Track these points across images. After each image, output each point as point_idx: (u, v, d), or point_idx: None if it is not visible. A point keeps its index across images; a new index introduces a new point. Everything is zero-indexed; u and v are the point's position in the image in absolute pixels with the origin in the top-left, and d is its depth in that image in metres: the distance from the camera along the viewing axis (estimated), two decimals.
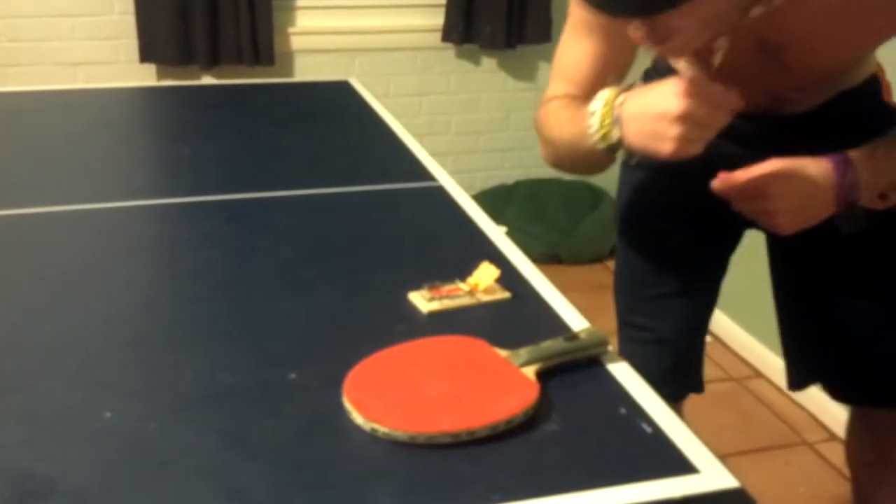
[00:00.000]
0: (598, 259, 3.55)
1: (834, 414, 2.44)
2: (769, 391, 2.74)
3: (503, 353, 1.04)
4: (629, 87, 1.23)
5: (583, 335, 1.08)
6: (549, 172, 2.27)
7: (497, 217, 3.16)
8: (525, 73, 3.67)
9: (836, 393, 1.60)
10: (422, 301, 1.19)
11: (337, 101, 2.29)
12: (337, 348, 1.08)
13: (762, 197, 1.22)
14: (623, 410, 0.99)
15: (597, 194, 3.59)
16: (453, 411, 0.94)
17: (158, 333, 1.14)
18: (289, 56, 3.45)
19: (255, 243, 1.40)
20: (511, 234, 1.68)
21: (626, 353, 1.10)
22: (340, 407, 0.96)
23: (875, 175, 1.25)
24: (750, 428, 2.59)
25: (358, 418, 0.94)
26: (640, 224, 1.63)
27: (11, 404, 0.98)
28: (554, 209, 3.58)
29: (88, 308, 1.20)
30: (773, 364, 2.76)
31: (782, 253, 1.52)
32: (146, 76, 3.30)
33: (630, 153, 1.23)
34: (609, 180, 1.65)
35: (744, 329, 2.95)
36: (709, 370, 2.82)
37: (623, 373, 1.06)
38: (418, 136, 1.96)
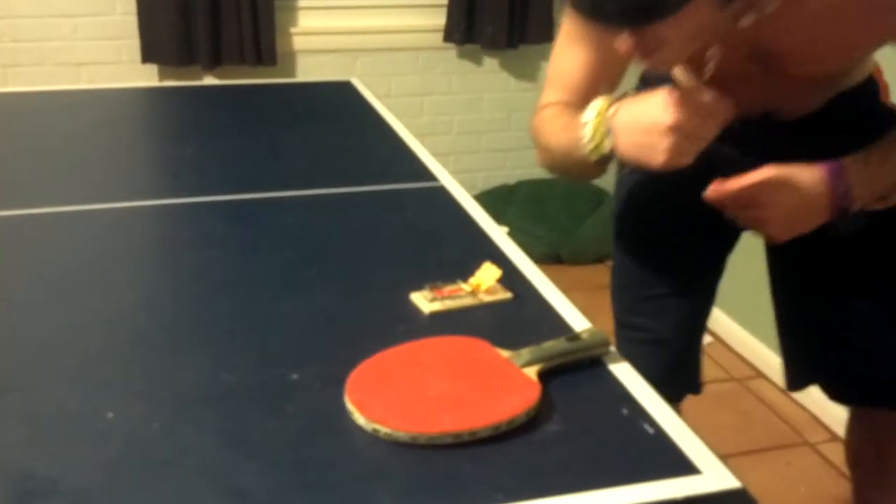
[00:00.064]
0: (599, 259, 3.55)
1: (835, 414, 2.44)
2: (770, 391, 2.74)
3: (505, 353, 1.04)
4: (621, 98, 1.23)
5: (584, 335, 1.08)
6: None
7: (498, 217, 3.16)
8: (527, 73, 3.67)
9: (836, 393, 1.60)
10: (423, 301, 1.19)
11: (339, 101, 2.29)
12: (338, 348, 1.08)
13: (755, 205, 1.22)
14: (625, 411, 0.99)
15: (598, 195, 3.59)
16: (455, 412, 0.94)
17: (160, 333, 1.14)
18: (291, 56, 3.45)
19: (256, 243, 1.40)
20: (512, 234, 1.68)
21: (624, 354, 1.10)
22: (342, 407, 0.96)
23: (870, 181, 1.24)
24: (751, 428, 2.59)
25: (359, 419, 0.94)
26: (638, 225, 1.63)
27: (12, 404, 0.98)
28: (555, 209, 3.58)
29: (90, 308, 1.20)
30: (774, 364, 2.76)
31: (781, 253, 1.52)
32: (148, 76, 3.30)
33: (623, 162, 1.23)
34: (610, 181, 1.65)
35: (745, 329, 2.95)
36: (710, 370, 2.83)
37: (625, 373, 1.06)
38: (420, 136, 1.96)
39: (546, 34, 3.48)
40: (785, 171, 1.22)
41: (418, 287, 1.22)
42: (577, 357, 1.06)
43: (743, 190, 1.20)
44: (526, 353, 1.03)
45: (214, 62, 3.26)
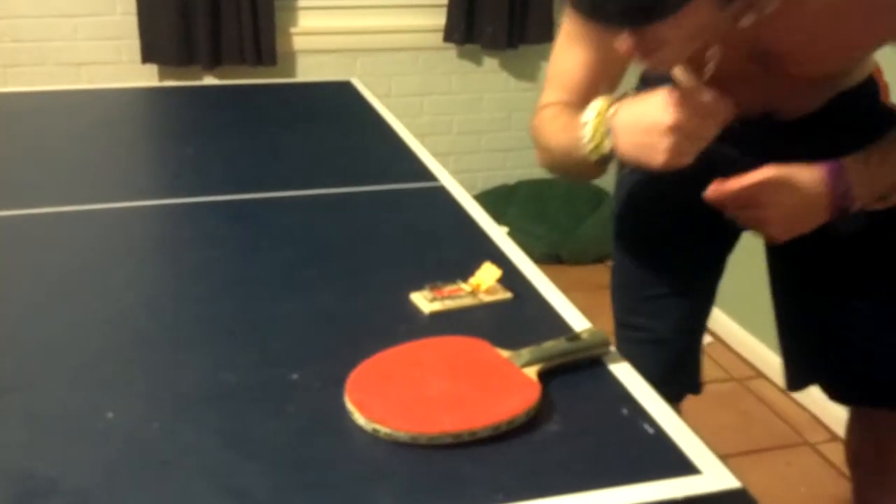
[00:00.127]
0: (599, 259, 3.55)
1: (835, 414, 2.44)
2: (770, 391, 2.74)
3: (505, 353, 1.04)
4: (621, 98, 1.23)
5: (584, 335, 1.08)
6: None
7: (499, 217, 3.16)
8: (527, 72, 3.67)
9: (836, 393, 1.60)
10: (423, 301, 1.19)
11: (339, 101, 2.29)
12: (338, 348, 1.08)
13: (755, 205, 1.22)
14: (625, 411, 0.99)
15: (598, 195, 3.59)
16: (455, 412, 0.94)
17: (160, 333, 1.14)
18: (291, 56, 3.45)
19: (257, 243, 1.40)
20: (512, 234, 1.68)
21: (624, 355, 1.10)
22: (342, 407, 0.96)
23: (870, 181, 1.24)
24: (751, 428, 2.59)
25: (360, 419, 0.94)
26: (638, 225, 1.63)
27: (12, 404, 0.98)
28: (555, 209, 3.58)
29: (90, 308, 1.20)
30: (774, 364, 2.76)
31: (781, 253, 1.52)
32: (148, 76, 3.30)
33: (623, 162, 1.23)
34: (610, 181, 1.65)
35: (745, 329, 2.95)
36: (710, 370, 2.83)
37: (625, 373, 1.06)
38: (420, 136, 1.96)
39: (546, 34, 3.48)
40: (785, 171, 1.22)
41: (418, 287, 1.22)
42: (577, 357, 1.06)
43: (743, 190, 1.20)
44: (526, 353, 1.03)
45: (214, 62, 3.26)
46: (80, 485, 0.85)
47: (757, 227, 1.27)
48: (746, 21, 1.09)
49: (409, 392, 0.98)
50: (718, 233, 1.45)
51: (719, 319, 3.04)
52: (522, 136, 3.68)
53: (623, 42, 1.10)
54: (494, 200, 3.60)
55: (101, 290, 1.25)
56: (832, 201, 1.23)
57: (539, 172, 3.69)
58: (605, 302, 1.71)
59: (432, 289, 1.22)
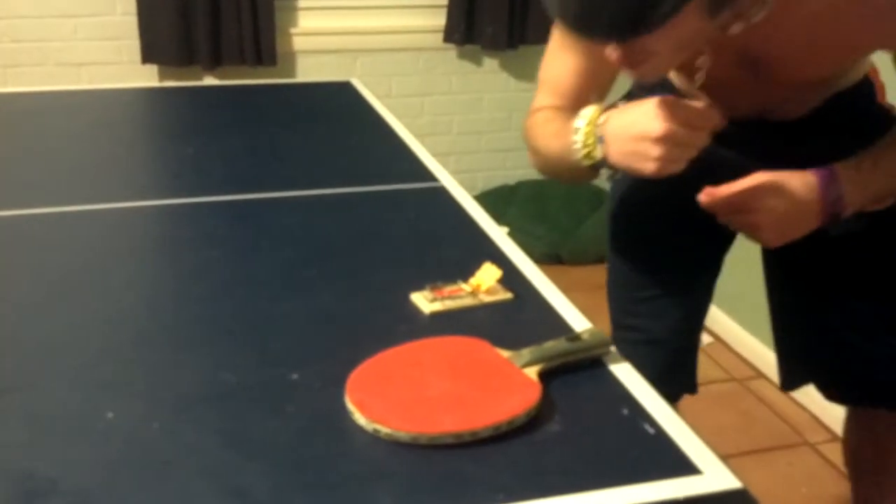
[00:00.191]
0: (599, 259, 3.54)
1: (835, 414, 2.44)
2: (771, 391, 2.74)
3: (505, 353, 1.04)
4: (612, 105, 1.23)
5: (585, 336, 1.08)
6: None
7: (499, 217, 3.17)
8: (527, 73, 3.67)
9: (834, 393, 1.60)
10: (424, 302, 1.19)
11: (339, 101, 2.29)
12: (339, 349, 1.08)
13: (746, 211, 1.22)
14: (625, 411, 0.99)
15: (598, 195, 3.59)
16: (456, 412, 0.94)
17: (160, 333, 1.14)
18: (291, 56, 3.45)
19: (257, 243, 1.40)
20: (513, 234, 1.68)
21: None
22: (342, 407, 0.96)
23: (862, 186, 1.25)
24: (752, 428, 2.59)
25: (360, 419, 0.94)
26: (632, 225, 1.63)
27: (12, 404, 0.98)
28: (555, 209, 3.58)
29: (90, 308, 1.20)
30: (774, 364, 2.73)
31: (777, 253, 1.52)
32: (148, 77, 3.30)
33: (613, 169, 1.24)
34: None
35: (745, 329, 2.95)
36: (710, 371, 2.84)
37: (625, 373, 1.06)
38: (420, 137, 1.96)
39: (546, 34, 3.43)
40: (777, 177, 1.22)
41: (419, 287, 1.22)
42: (577, 357, 1.06)
43: (734, 195, 1.21)
44: (526, 353, 1.03)
45: (214, 62, 3.26)
46: (81, 485, 0.85)
47: (749, 232, 1.27)
48: (735, 30, 1.09)
49: (409, 392, 0.98)
50: (714, 233, 1.45)
51: (719, 319, 3.04)
52: (522, 136, 3.69)
53: (612, 52, 1.10)
54: (495, 201, 3.60)
55: (101, 290, 1.25)
56: (823, 208, 1.23)
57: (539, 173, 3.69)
58: (605, 302, 1.71)
59: (433, 289, 1.22)
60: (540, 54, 1.44)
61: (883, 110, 1.40)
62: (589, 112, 1.24)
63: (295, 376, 1.03)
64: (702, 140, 1.15)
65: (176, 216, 1.52)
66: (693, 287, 1.66)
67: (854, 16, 1.14)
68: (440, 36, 3.53)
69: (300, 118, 2.09)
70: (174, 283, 1.29)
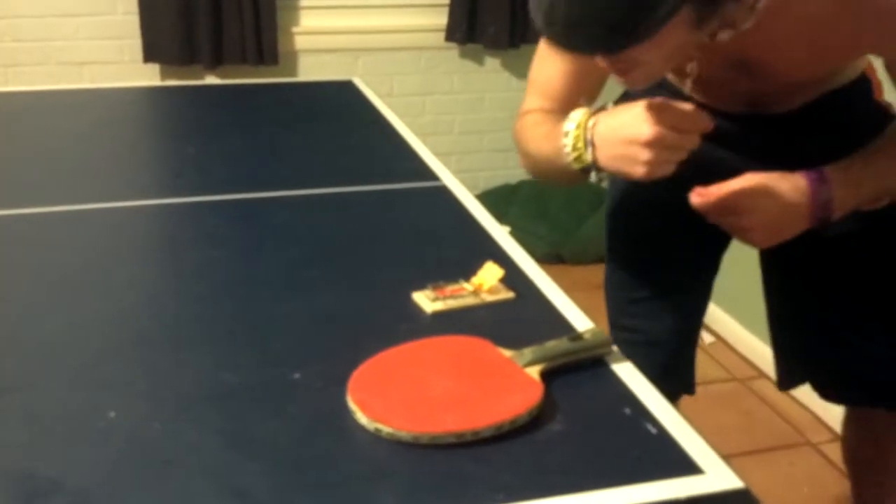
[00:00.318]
0: (601, 259, 3.50)
1: (837, 414, 2.43)
2: (772, 391, 2.74)
3: (507, 353, 1.04)
4: (602, 108, 1.23)
5: (587, 335, 1.08)
6: None
7: (500, 217, 3.16)
8: (528, 72, 3.66)
9: (832, 393, 1.60)
10: (426, 301, 1.19)
11: (340, 100, 2.29)
12: (340, 348, 1.08)
13: (736, 212, 1.22)
14: (627, 411, 0.98)
15: (599, 194, 3.59)
16: (457, 411, 0.94)
17: (161, 333, 1.14)
18: (292, 56, 3.44)
19: (258, 243, 1.40)
20: (514, 233, 1.68)
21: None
22: (344, 407, 0.96)
23: (853, 188, 1.25)
24: (753, 428, 2.58)
25: (362, 418, 0.93)
26: (630, 226, 1.63)
27: (13, 404, 0.98)
28: (557, 209, 3.58)
29: (91, 308, 1.20)
30: None
31: (775, 254, 1.52)
32: (150, 76, 3.30)
33: (603, 173, 1.24)
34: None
35: (746, 329, 2.95)
36: (712, 370, 2.83)
37: (627, 373, 1.05)
38: (422, 136, 1.96)
39: None
40: (766, 180, 1.22)
41: (420, 287, 1.22)
42: (579, 357, 1.06)
43: (724, 198, 1.21)
44: (528, 352, 1.03)
45: (216, 62, 3.26)
46: (82, 485, 0.85)
47: (738, 233, 1.27)
48: (724, 37, 1.09)
49: (411, 391, 0.98)
50: (712, 233, 1.46)
51: (721, 319, 3.03)
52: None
53: (601, 60, 1.10)
54: (496, 200, 3.59)
55: (102, 289, 1.25)
56: (813, 211, 1.23)
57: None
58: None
59: (434, 288, 1.21)
60: None
61: (880, 108, 1.40)
62: (578, 115, 1.24)
63: (296, 376, 1.03)
64: (691, 143, 1.16)
65: (177, 215, 1.52)
66: (691, 287, 1.65)
67: (844, 21, 1.15)
68: (442, 35, 3.53)
69: (302, 117, 2.09)
70: (175, 282, 1.29)
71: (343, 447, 0.91)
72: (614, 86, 1.27)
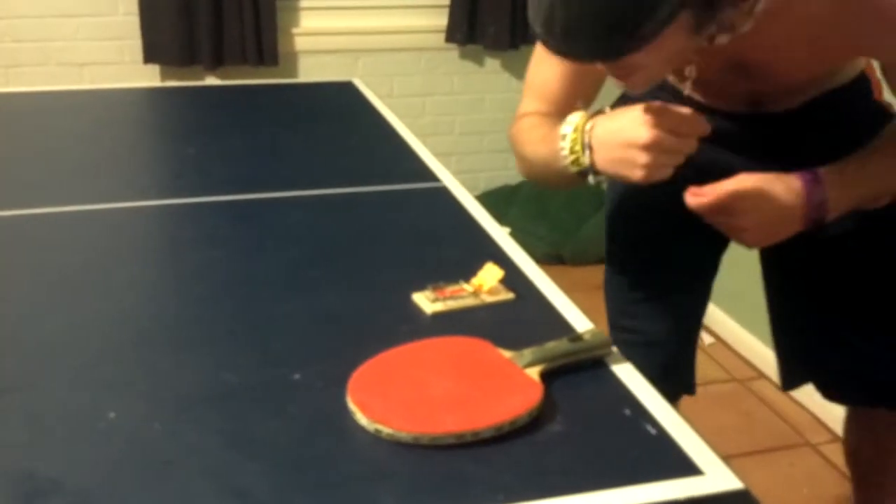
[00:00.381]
0: (601, 260, 3.49)
1: (837, 415, 2.43)
2: (772, 392, 2.74)
3: (507, 353, 1.04)
4: (600, 111, 1.23)
5: (587, 336, 1.08)
6: None
7: (500, 217, 3.17)
8: None
9: (833, 393, 1.60)
10: (426, 302, 1.19)
11: (341, 101, 2.29)
12: (341, 349, 1.08)
13: (730, 213, 1.22)
14: (627, 411, 0.98)
15: (600, 195, 3.57)
16: (457, 412, 0.94)
17: (162, 333, 1.14)
18: (292, 57, 3.45)
19: (258, 243, 1.40)
20: (514, 234, 1.68)
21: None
22: (344, 407, 0.96)
23: (848, 190, 1.25)
24: (753, 429, 2.58)
25: (362, 419, 0.94)
26: (629, 227, 1.63)
27: (13, 404, 0.98)
28: (557, 210, 3.58)
29: (91, 308, 1.20)
30: (775, 364, 2.75)
31: (775, 254, 1.52)
32: (150, 77, 3.30)
33: (598, 175, 1.24)
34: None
35: (746, 329, 2.95)
36: (711, 371, 2.83)
37: (627, 374, 1.05)
38: (422, 137, 1.96)
39: None
40: (760, 181, 1.22)
41: (420, 287, 1.22)
42: (579, 358, 1.06)
43: (719, 198, 1.21)
44: (528, 353, 1.03)
45: (216, 62, 3.26)
46: (82, 485, 0.85)
47: (732, 233, 1.27)
48: (722, 41, 1.10)
49: (411, 392, 0.98)
50: (711, 234, 1.46)
51: (720, 320, 3.03)
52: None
53: (599, 65, 1.10)
54: (496, 201, 3.60)
55: (102, 290, 1.25)
56: (807, 212, 1.24)
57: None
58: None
59: (434, 289, 1.21)
60: None
61: (880, 107, 1.40)
62: (576, 118, 1.24)
63: (296, 376, 1.03)
64: (689, 147, 1.16)
65: (177, 216, 1.52)
66: (690, 288, 1.66)
67: (844, 21, 1.15)
68: (442, 36, 3.53)
69: (302, 118, 2.09)
70: (175, 283, 1.29)
71: (343, 448, 0.91)
72: (611, 88, 1.27)
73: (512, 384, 0.99)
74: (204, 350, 1.09)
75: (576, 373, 1.04)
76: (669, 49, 1.04)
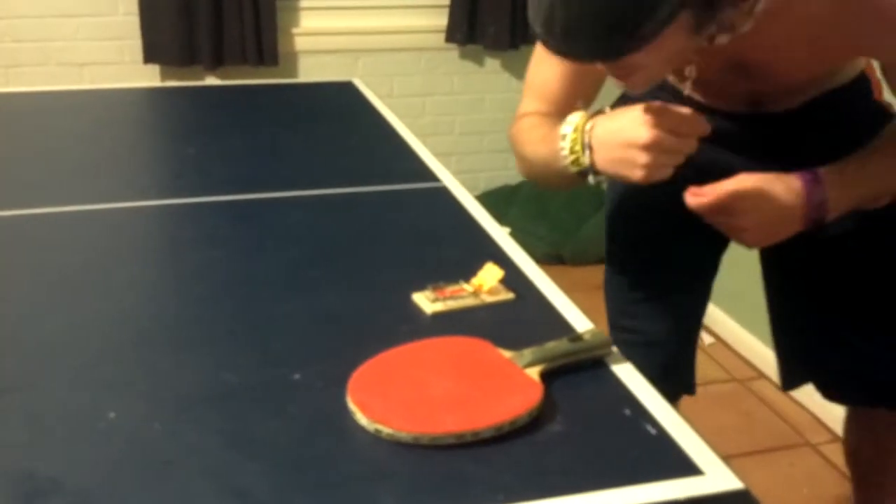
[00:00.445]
0: (601, 260, 3.49)
1: (836, 415, 2.43)
2: (772, 392, 2.74)
3: (507, 353, 1.04)
4: (600, 111, 1.24)
5: (587, 336, 1.08)
6: None
7: (500, 217, 3.17)
8: None
9: (834, 393, 1.60)
10: (426, 302, 1.19)
11: (341, 101, 2.29)
12: (341, 348, 1.08)
13: (730, 213, 1.22)
14: (627, 411, 0.98)
15: (600, 195, 3.57)
16: (457, 412, 0.94)
17: (162, 333, 1.14)
18: (292, 57, 3.45)
19: (258, 243, 1.40)
20: (514, 234, 1.68)
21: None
22: (344, 407, 0.96)
23: (847, 190, 1.25)
24: (753, 429, 2.58)
25: (362, 419, 0.94)
26: (629, 227, 1.63)
27: (13, 404, 0.98)
28: (557, 209, 3.58)
29: (91, 308, 1.20)
30: (775, 364, 2.75)
31: (775, 254, 1.52)
32: (150, 77, 3.30)
33: (601, 176, 1.24)
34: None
35: (746, 329, 2.95)
36: (711, 371, 2.83)
37: (627, 374, 1.06)
38: (422, 137, 1.96)
39: None
40: (760, 181, 1.22)
41: (420, 287, 1.22)
42: (579, 358, 1.06)
43: (719, 198, 1.21)
44: (528, 353, 1.03)
45: (216, 62, 3.26)
46: (82, 485, 0.85)
47: (732, 233, 1.28)
48: (722, 41, 1.10)
49: (411, 392, 0.98)
50: (710, 234, 1.47)
51: (720, 320, 3.03)
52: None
53: (599, 65, 1.10)
54: (496, 201, 3.60)
55: (102, 290, 1.25)
56: (807, 212, 1.24)
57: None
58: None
59: (434, 289, 1.21)
60: None
61: (880, 107, 1.40)
62: (576, 118, 1.24)
63: (297, 376, 1.03)
64: (689, 147, 1.16)
65: (177, 216, 1.52)
66: (691, 288, 1.66)
67: (844, 21, 1.15)
68: (442, 36, 3.53)
69: (302, 118, 2.09)
70: (175, 283, 1.29)
71: (343, 448, 0.91)
72: (611, 88, 1.27)
73: (512, 384, 0.99)
74: (204, 350, 1.09)
75: (576, 373, 1.04)
76: (669, 49, 1.05)
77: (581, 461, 0.90)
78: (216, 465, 0.88)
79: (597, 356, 1.07)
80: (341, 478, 0.86)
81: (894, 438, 1.64)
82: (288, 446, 0.91)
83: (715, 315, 3.02)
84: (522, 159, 1.39)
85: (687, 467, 0.89)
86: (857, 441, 1.74)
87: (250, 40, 3.25)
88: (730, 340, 3.02)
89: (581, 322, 1.17)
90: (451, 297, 1.20)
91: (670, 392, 1.63)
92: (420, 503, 0.84)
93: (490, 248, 1.39)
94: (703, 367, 1.70)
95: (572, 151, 1.23)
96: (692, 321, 1.69)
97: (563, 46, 1.06)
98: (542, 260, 2.36)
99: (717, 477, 0.88)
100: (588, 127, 1.21)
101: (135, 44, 3.22)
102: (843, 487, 2.28)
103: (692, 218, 1.26)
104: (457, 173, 1.77)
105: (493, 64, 3.67)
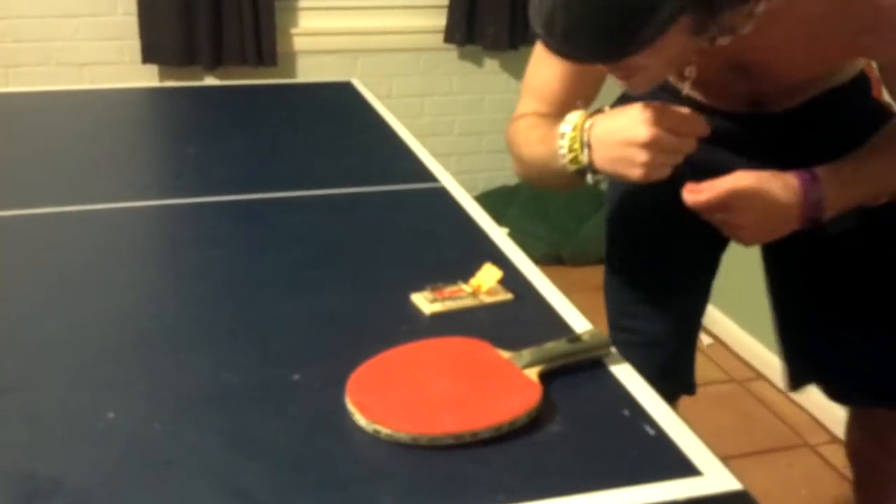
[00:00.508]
0: (600, 260, 3.49)
1: (835, 416, 2.44)
2: (771, 393, 2.74)
3: (506, 354, 1.04)
4: (599, 110, 1.24)
5: (585, 337, 1.08)
6: None
7: (499, 218, 3.16)
8: None
9: (836, 393, 1.60)
10: (424, 302, 1.19)
11: (339, 101, 2.29)
12: (340, 349, 1.08)
13: (726, 211, 1.23)
14: (626, 412, 0.99)
15: (599, 195, 3.58)
16: (456, 413, 0.94)
17: (162, 333, 1.14)
18: (291, 57, 3.45)
19: (258, 243, 1.40)
20: (513, 235, 1.68)
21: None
22: (343, 408, 0.96)
23: (845, 189, 1.25)
24: (752, 430, 2.59)
25: (361, 419, 0.94)
26: (628, 228, 1.63)
27: (13, 404, 0.98)
28: (556, 210, 3.58)
29: (91, 308, 1.20)
30: (774, 366, 2.76)
31: (777, 253, 1.52)
32: (149, 77, 3.30)
33: (596, 174, 1.24)
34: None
35: (745, 330, 2.95)
36: (710, 372, 2.84)
37: (626, 374, 1.06)
38: (421, 137, 1.96)
39: None
40: (757, 179, 1.22)
41: (419, 288, 1.22)
42: (578, 358, 1.06)
43: (715, 196, 1.21)
44: (527, 354, 1.03)
45: (215, 63, 3.27)
46: (82, 485, 0.85)
47: (728, 230, 1.28)
48: (723, 42, 1.10)
49: (410, 393, 0.98)
50: (711, 234, 1.47)
51: (719, 321, 3.04)
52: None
53: (601, 65, 1.11)
54: (495, 201, 3.60)
55: (102, 290, 1.25)
56: (804, 211, 1.24)
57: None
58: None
59: (433, 290, 1.22)
60: None
61: (879, 105, 1.40)
62: (575, 117, 1.24)
63: (296, 377, 1.03)
64: (688, 146, 1.16)
65: (177, 216, 1.52)
66: (690, 288, 1.66)
67: (844, 21, 1.15)
68: (441, 36, 3.53)
69: (301, 118, 2.09)
70: (175, 283, 1.30)
71: (342, 448, 0.91)
72: (611, 88, 1.27)
73: (511, 385, 0.99)
74: (204, 350, 1.10)
75: (575, 373, 1.05)
76: (670, 51, 1.05)
77: (580, 462, 0.90)
78: (216, 465, 0.88)
79: (596, 357, 1.08)
80: (340, 478, 0.87)
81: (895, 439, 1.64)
82: (288, 446, 0.91)
83: (714, 316, 3.02)
84: (520, 160, 1.39)
85: (686, 468, 0.90)
86: (858, 442, 1.74)
87: (249, 40, 3.25)
88: (729, 341, 3.02)
89: (580, 323, 1.17)
90: (450, 298, 1.20)
91: (670, 392, 1.63)
92: (419, 503, 0.84)
93: (489, 248, 1.39)
94: (702, 368, 1.70)
95: (571, 150, 1.23)
96: (692, 321, 1.69)
97: (563, 47, 1.06)
98: (542, 260, 2.37)
99: (716, 478, 0.88)
100: (587, 125, 1.21)
101: (134, 44, 3.22)
102: (842, 488, 2.28)
103: (692, 218, 1.26)
104: (456, 174, 1.77)
105: (491, 64, 3.67)
